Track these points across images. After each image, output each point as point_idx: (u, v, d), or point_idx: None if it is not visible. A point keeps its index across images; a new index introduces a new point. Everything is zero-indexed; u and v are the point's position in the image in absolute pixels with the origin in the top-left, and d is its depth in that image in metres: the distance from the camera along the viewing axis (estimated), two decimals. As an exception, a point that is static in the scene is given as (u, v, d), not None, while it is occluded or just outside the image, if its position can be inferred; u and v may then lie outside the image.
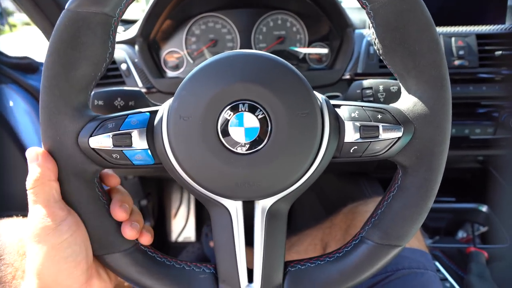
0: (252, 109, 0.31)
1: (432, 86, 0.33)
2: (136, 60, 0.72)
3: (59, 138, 0.33)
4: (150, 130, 0.34)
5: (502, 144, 0.73)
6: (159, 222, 1.25)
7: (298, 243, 0.72)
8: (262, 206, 0.34)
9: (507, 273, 0.60)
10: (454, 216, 0.88)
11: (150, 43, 0.75)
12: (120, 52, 0.73)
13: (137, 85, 0.72)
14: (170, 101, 0.33)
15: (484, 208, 0.83)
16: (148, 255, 0.36)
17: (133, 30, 0.74)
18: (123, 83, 0.72)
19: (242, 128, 0.31)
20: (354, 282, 0.35)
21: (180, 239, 1.28)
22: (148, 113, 0.35)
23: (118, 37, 0.75)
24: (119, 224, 0.35)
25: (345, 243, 0.37)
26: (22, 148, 0.95)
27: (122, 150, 0.33)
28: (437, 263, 0.68)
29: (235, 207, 0.35)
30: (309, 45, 0.78)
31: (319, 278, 0.35)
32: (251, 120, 0.31)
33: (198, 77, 0.32)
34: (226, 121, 0.31)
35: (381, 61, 0.67)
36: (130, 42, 0.74)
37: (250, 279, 0.35)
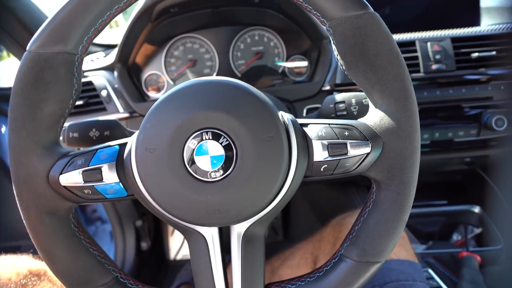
0: (216, 137, 0.31)
1: (397, 98, 0.33)
2: (116, 86, 0.73)
3: (29, 178, 0.33)
4: (120, 163, 0.34)
5: (487, 145, 0.72)
6: (156, 241, 1.25)
7: (291, 257, 0.71)
8: (237, 231, 0.34)
9: (500, 277, 0.60)
10: (447, 219, 0.87)
11: (129, 68, 0.76)
12: (100, 79, 0.73)
13: (118, 111, 0.72)
14: (137, 133, 0.33)
15: (476, 209, 0.83)
16: (129, 287, 0.36)
17: (112, 56, 0.75)
18: (104, 109, 0.73)
19: (207, 156, 0.31)
20: None
21: (179, 257, 1.27)
22: (117, 146, 0.35)
23: (97, 64, 0.76)
24: (97, 258, 0.35)
25: None
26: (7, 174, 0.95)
27: (93, 185, 0.33)
28: (430, 270, 0.67)
29: (210, 234, 0.35)
30: (288, 58, 0.79)
31: None
32: (216, 148, 0.31)
33: (161, 108, 0.32)
34: (192, 151, 0.31)
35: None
36: (109, 68, 0.74)
37: None
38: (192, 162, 0.31)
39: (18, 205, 0.33)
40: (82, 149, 0.35)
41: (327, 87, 0.72)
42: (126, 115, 0.72)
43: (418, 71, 0.72)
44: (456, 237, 0.84)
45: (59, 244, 0.34)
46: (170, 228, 1.30)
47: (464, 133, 0.71)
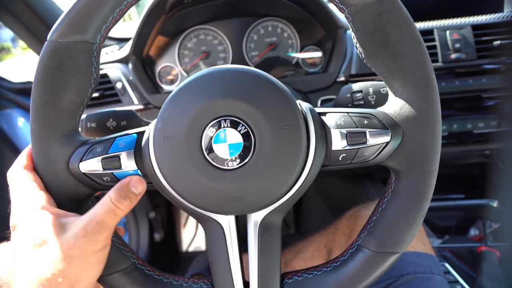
0: (234, 125, 0.31)
1: (418, 87, 0.32)
2: (131, 78, 0.73)
3: (51, 165, 0.34)
4: (138, 151, 0.34)
5: (508, 137, 0.70)
6: (169, 233, 1.26)
7: (304, 250, 0.71)
8: (254, 219, 0.35)
9: (520, 272, 0.58)
10: (464, 213, 0.85)
11: (143, 60, 0.76)
12: (115, 71, 0.74)
13: (133, 103, 0.73)
14: (155, 121, 0.33)
15: (495, 204, 0.80)
16: (146, 274, 0.36)
17: (126, 49, 0.75)
18: (119, 101, 0.74)
19: (225, 144, 0.31)
20: None
21: (191, 249, 1.29)
22: (135, 135, 0.35)
23: (112, 56, 0.77)
24: (115, 245, 0.36)
25: None
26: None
27: (112, 172, 0.34)
28: (447, 265, 0.66)
29: (227, 222, 0.35)
30: (302, 49, 0.78)
31: None
32: (234, 136, 0.31)
33: (179, 96, 0.32)
34: (210, 138, 0.31)
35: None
36: (123, 61, 0.75)
37: None
38: (210, 150, 0.31)
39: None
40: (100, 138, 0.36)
41: (342, 78, 0.71)
42: (141, 107, 0.72)
43: (436, 61, 0.69)
44: (473, 232, 0.82)
45: None
46: (183, 220, 1.31)
47: (484, 124, 0.69)
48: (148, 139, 0.34)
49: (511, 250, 0.68)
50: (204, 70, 0.33)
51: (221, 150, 0.31)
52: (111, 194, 0.32)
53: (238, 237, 0.35)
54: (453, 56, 0.68)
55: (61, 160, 0.34)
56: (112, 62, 0.76)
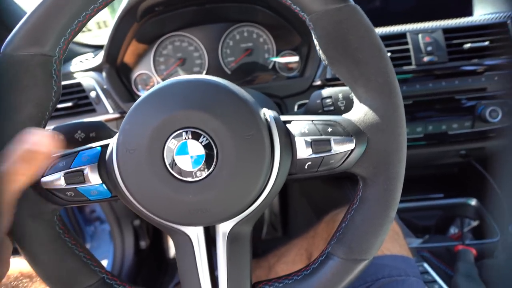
0: (196, 136, 0.30)
1: (381, 93, 0.32)
2: (105, 87, 0.72)
3: None
4: (103, 164, 0.33)
5: (482, 137, 0.71)
6: (155, 240, 1.25)
7: (286, 254, 0.71)
8: (222, 230, 0.34)
9: (495, 270, 0.59)
10: (443, 212, 0.86)
11: (118, 68, 0.75)
12: (89, 80, 0.73)
13: (108, 112, 0.72)
14: (118, 134, 0.33)
15: (473, 202, 0.82)
16: None
17: (99, 57, 0.74)
18: (93, 110, 0.72)
19: (188, 156, 0.30)
20: None
21: (178, 256, 1.28)
22: (99, 148, 0.35)
23: (86, 65, 0.76)
24: (83, 260, 0.35)
25: None
26: None
27: (75, 187, 0.33)
28: (426, 265, 0.66)
29: (195, 233, 0.34)
30: (278, 54, 0.78)
31: None
32: (196, 148, 0.30)
33: (140, 109, 0.32)
34: (172, 150, 0.30)
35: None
36: (97, 69, 0.74)
37: None
38: (172, 162, 0.31)
39: None
40: (63, 151, 0.35)
41: (318, 82, 0.71)
42: (116, 115, 0.71)
43: (410, 64, 0.70)
44: (453, 230, 0.84)
45: (43, 247, 0.34)
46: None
47: (458, 125, 0.70)
48: (111, 152, 0.33)
49: (488, 248, 0.69)
50: (165, 81, 0.33)
51: (184, 162, 0.30)
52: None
53: (208, 249, 0.35)
54: (426, 59, 0.69)
55: None
56: (86, 70, 0.74)
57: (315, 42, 0.34)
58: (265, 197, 0.33)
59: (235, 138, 0.30)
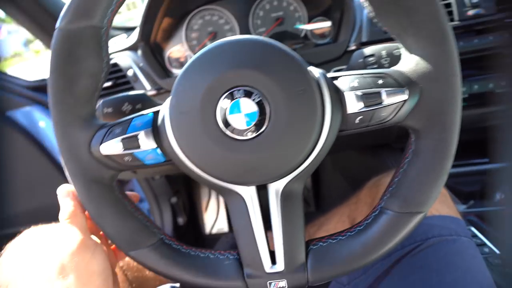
0: (248, 94, 0.31)
1: (433, 41, 0.31)
2: (141, 65, 0.74)
3: (74, 149, 0.35)
4: (156, 129, 0.35)
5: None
6: (192, 217, 1.30)
7: (327, 223, 0.71)
8: (275, 188, 0.35)
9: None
10: (489, 178, 0.83)
11: (152, 46, 0.76)
12: (125, 59, 0.75)
13: (145, 89, 0.74)
14: (169, 98, 0.34)
15: (521, 165, 0.77)
16: (173, 248, 0.37)
17: (134, 36, 0.76)
18: (132, 89, 0.74)
19: (241, 114, 0.31)
20: (378, 254, 0.35)
21: (214, 231, 1.32)
22: (151, 114, 0.36)
23: (121, 45, 0.77)
24: (143, 222, 0.37)
25: None
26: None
27: (132, 152, 0.34)
28: (473, 229, 0.64)
29: (248, 193, 0.35)
30: (310, 21, 0.76)
31: (341, 254, 0.35)
32: (249, 105, 0.31)
33: (190, 71, 0.33)
34: (224, 110, 0.31)
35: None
36: (133, 48, 0.76)
37: (274, 261, 0.35)
38: (225, 121, 0.31)
39: (67, 174, 0.36)
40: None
41: (353, 47, 0.69)
42: (154, 92, 0.73)
43: (452, 20, 0.66)
44: (499, 195, 0.80)
45: (108, 208, 0.36)
46: (204, 204, 1.34)
47: (507, 83, 0.66)
48: (164, 116, 0.34)
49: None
50: (213, 43, 0.33)
51: (237, 121, 0.31)
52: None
53: (261, 208, 0.36)
54: (471, 12, 0.64)
55: (83, 144, 0.35)
56: (122, 50, 0.76)
57: None
58: (317, 154, 0.33)
59: (287, 93, 0.31)
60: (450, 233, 0.50)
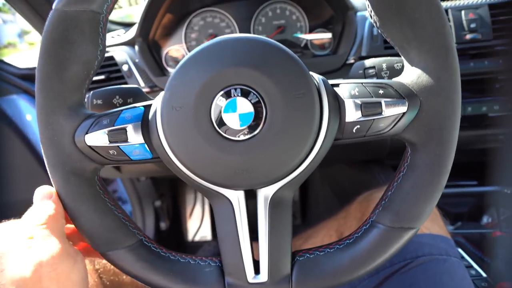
0: (245, 94, 0.30)
1: (436, 55, 0.31)
2: (137, 61, 0.72)
3: (56, 138, 0.33)
4: (146, 124, 0.33)
5: (525, 120, 0.68)
6: (175, 222, 1.26)
7: (314, 235, 0.70)
8: (264, 194, 0.33)
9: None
10: (476, 200, 0.83)
11: (149, 43, 0.75)
12: (121, 54, 0.73)
13: (139, 85, 0.72)
14: (163, 92, 0.32)
15: (509, 191, 0.78)
16: (153, 251, 0.35)
17: (132, 31, 0.74)
18: (125, 84, 0.73)
19: (236, 114, 0.30)
20: (367, 270, 0.33)
21: (197, 239, 1.29)
22: (142, 107, 0.34)
23: (119, 39, 0.76)
24: (122, 220, 0.35)
25: None
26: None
27: (118, 145, 0.33)
28: (460, 250, 0.64)
29: (236, 197, 0.34)
30: (311, 32, 0.76)
31: (328, 267, 0.33)
32: (245, 105, 0.30)
33: (188, 65, 0.31)
34: (219, 108, 0.30)
35: (386, 41, 0.64)
36: (130, 43, 0.74)
37: (257, 271, 0.34)
38: (220, 120, 0.30)
39: (46, 164, 0.34)
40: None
41: (352, 60, 0.69)
42: (147, 89, 0.71)
43: (451, 42, 0.67)
44: (486, 219, 0.81)
45: (85, 203, 0.34)
46: (189, 209, 1.31)
47: (499, 107, 0.67)
48: (155, 111, 0.33)
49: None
50: (214, 39, 0.32)
51: (231, 120, 0.30)
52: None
53: (248, 215, 0.34)
54: (468, 36, 0.66)
55: (67, 133, 0.33)
56: (118, 44, 0.75)
57: (367, 2, 0.33)
58: (311, 162, 0.32)
59: (285, 96, 0.30)
60: (440, 252, 0.50)
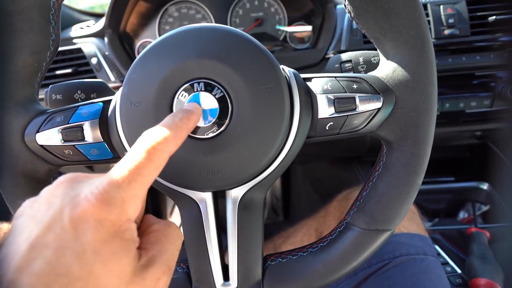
0: (209, 88, 0.28)
1: (412, 47, 0.29)
2: (107, 53, 0.68)
3: (3, 137, 0.30)
4: (104, 121, 0.31)
5: (501, 117, 0.68)
6: (155, 214, 1.23)
7: (294, 234, 0.69)
8: (233, 196, 0.31)
9: (510, 253, 0.57)
10: (453, 196, 0.84)
11: (120, 35, 0.71)
12: (90, 46, 0.69)
13: (109, 80, 0.68)
14: (122, 87, 0.30)
15: (485, 186, 0.79)
16: None
17: (101, 22, 0.70)
18: (94, 78, 0.69)
19: None
20: (341, 274, 0.32)
21: (177, 237, 1.26)
22: (101, 103, 0.32)
23: (88, 30, 0.72)
24: None
25: None
26: None
27: (74, 145, 0.30)
28: (437, 247, 0.64)
29: (203, 199, 0.31)
30: (290, 25, 0.74)
31: (301, 272, 0.32)
32: (209, 100, 0.28)
33: (148, 57, 0.29)
34: (182, 103, 0.28)
35: (366, 36, 0.63)
36: (99, 35, 0.70)
37: (226, 277, 0.32)
38: None
39: None
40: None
41: (331, 54, 0.68)
42: (118, 84, 0.68)
43: (429, 37, 0.67)
44: (462, 214, 0.82)
45: None
46: (169, 209, 1.28)
47: (476, 103, 0.67)
48: (114, 107, 0.30)
49: (501, 231, 0.67)
50: (176, 29, 0.29)
51: None
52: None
53: (216, 217, 0.32)
54: (447, 32, 0.65)
55: (15, 131, 0.30)
56: (87, 36, 0.71)
57: None
58: (282, 161, 0.30)
59: (252, 90, 0.28)
60: (417, 252, 0.49)
